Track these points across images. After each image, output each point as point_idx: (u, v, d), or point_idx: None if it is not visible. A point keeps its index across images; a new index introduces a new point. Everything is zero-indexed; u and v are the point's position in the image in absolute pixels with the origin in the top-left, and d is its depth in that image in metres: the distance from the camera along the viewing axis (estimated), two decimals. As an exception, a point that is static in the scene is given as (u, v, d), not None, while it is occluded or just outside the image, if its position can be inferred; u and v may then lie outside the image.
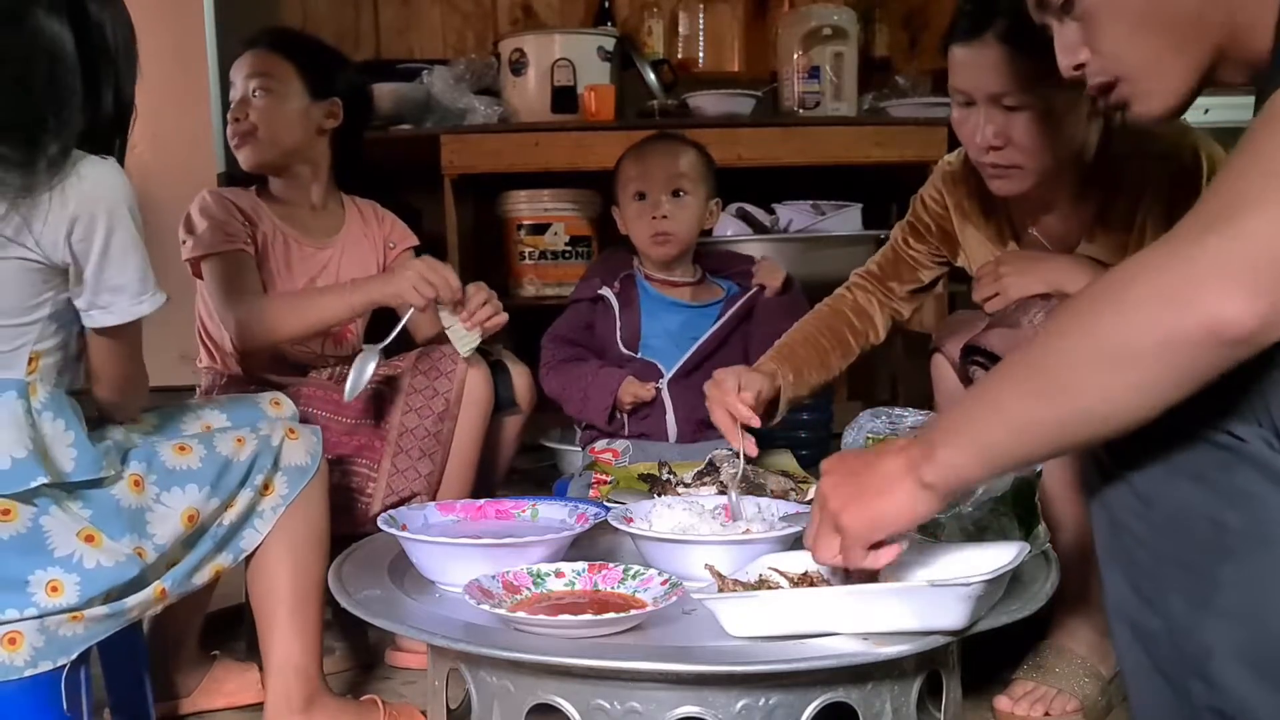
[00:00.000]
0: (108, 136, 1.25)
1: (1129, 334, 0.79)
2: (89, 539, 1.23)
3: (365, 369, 1.73)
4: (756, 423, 1.64)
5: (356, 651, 1.79)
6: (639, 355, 2.14)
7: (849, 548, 1.03)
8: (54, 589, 1.21)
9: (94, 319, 1.25)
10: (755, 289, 2.18)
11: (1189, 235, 0.78)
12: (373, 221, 2.04)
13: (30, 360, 1.23)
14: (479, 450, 1.85)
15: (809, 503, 1.53)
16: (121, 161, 1.26)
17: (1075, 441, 0.89)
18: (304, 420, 1.69)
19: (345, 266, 1.96)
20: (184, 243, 1.84)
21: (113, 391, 1.33)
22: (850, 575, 1.14)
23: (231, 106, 1.92)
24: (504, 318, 1.78)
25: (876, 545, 1.04)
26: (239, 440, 1.38)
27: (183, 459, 1.34)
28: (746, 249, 2.51)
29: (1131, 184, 1.57)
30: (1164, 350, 0.78)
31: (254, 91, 1.89)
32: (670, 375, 2.10)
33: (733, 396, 1.64)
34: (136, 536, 1.27)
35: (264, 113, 1.89)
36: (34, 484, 1.20)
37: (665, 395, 2.09)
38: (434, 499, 1.76)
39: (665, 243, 2.12)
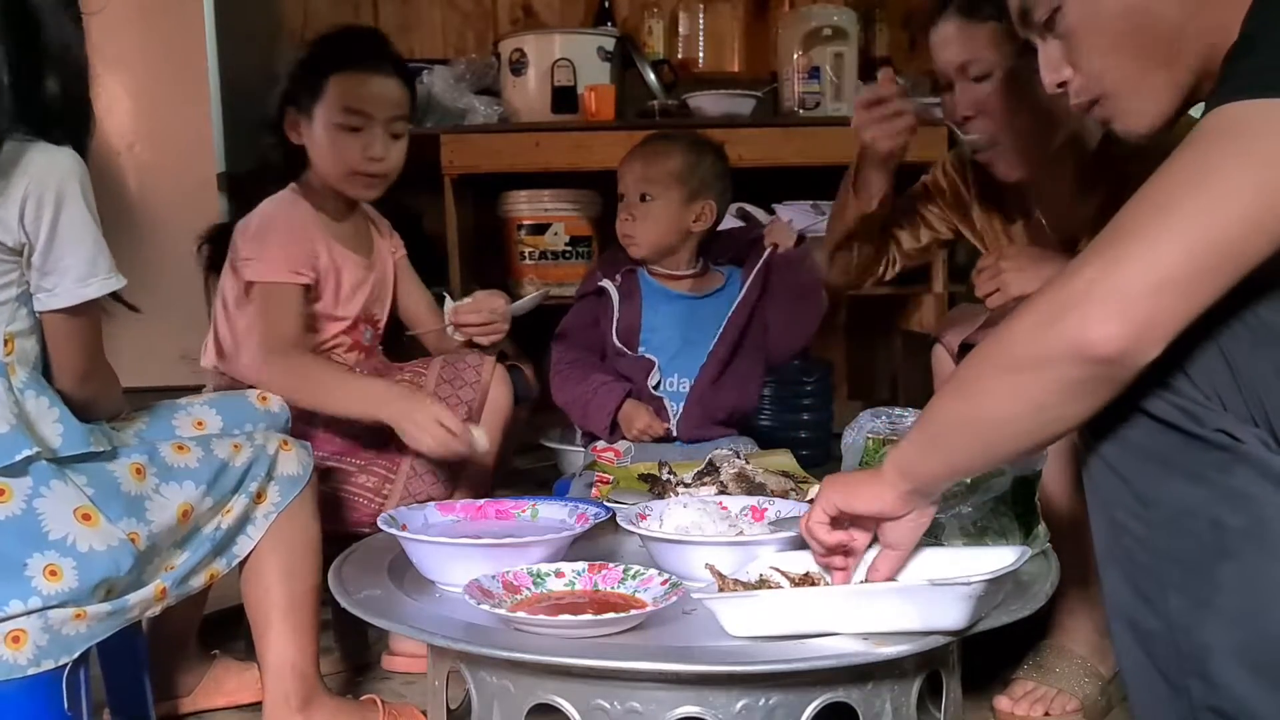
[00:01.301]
0: (65, 140, 1.24)
1: (1012, 345, 0.86)
2: (85, 517, 1.24)
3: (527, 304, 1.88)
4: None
5: (356, 651, 1.79)
6: (638, 351, 2.15)
7: (814, 508, 1.13)
8: (52, 573, 1.21)
9: (41, 302, 1.25)
10: (769, 249, 2.18)
11: (1081, 260, 0.84)
12: (382, 229, 2.03)
13: (6, 341, 1.24)
14: (497, 457, 1.85)
15: (811, 502, 1.54)
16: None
17: (990, 447, 0.96)
18: (320, 425, 1.72)
19: (377, 283, 1.94)
20: (247, 259, 1.78)
21: (72, 386, 1.31)
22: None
23: (359, 134, 1.83)
24: (494, 335, 1.87)
25: (841, 528, 1.13)
26: (235, 446, 1.40)
27: (181, 458, 1.35)
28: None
29: (1136, 182, 1.58)
30: (1038, 362, 0.84)
31: (393, 133, 1.86)
32: (681, 391, 2.13)
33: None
34: (134, 520, 1.28)
35: (397, 157, 1.88)
36: (20, 455, 1.20)
37: (667, 401, 2.11)
38: None
39: (630, 245, 2.15)
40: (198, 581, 1.37)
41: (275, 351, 1.74)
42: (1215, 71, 0.93)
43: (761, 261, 2.17)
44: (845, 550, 1.16)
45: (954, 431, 0.96)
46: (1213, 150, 0.82)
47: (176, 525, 1.32)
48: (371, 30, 1.98)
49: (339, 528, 1.67)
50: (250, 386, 1.79)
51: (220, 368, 1.87)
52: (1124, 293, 0.80)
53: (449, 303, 1.91)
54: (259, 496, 1.41)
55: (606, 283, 2.18)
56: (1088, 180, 1.62)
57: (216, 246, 1.94)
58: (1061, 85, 1.05)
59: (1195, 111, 1.17)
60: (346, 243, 1.90)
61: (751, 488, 1.63)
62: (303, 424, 1.68)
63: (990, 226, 1.77)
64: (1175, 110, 1.00)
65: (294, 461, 1.45)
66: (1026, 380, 0.85)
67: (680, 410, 2.12)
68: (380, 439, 1.78)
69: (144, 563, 1.29)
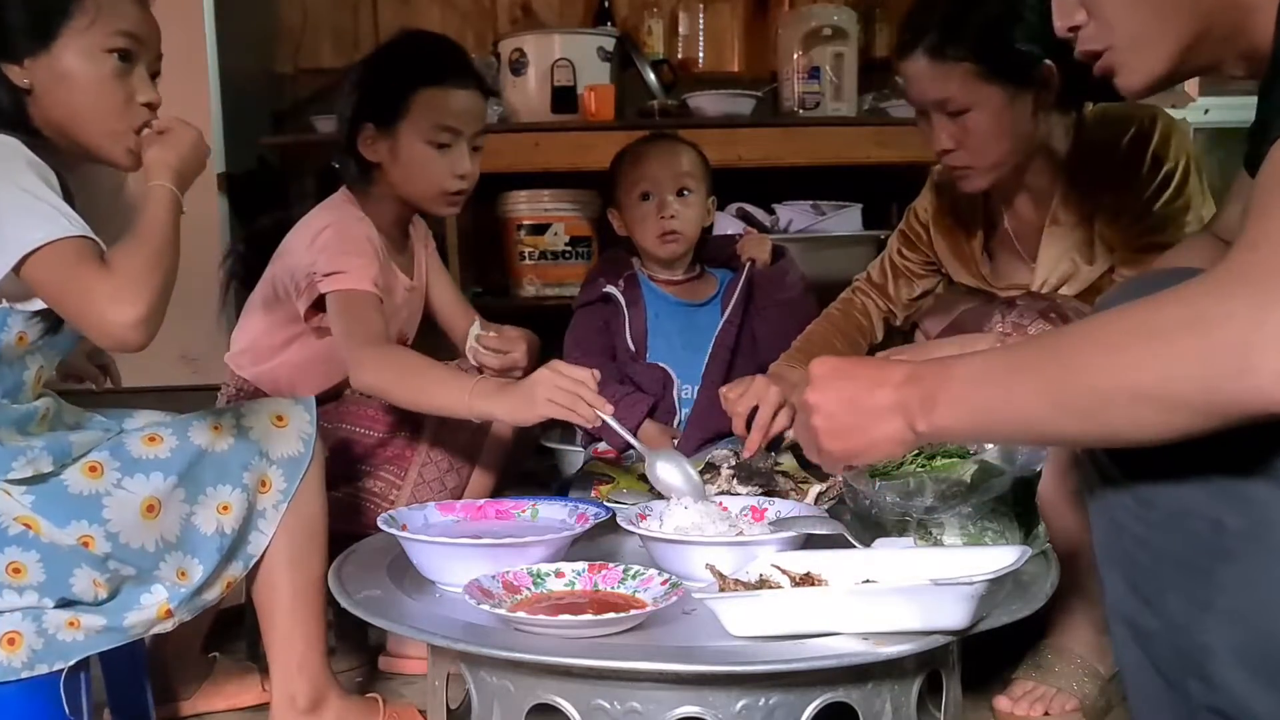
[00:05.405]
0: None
1: (1175, 386, 0.78)
2: (27, 525, 1.22)
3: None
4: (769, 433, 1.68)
5: (356, 651, 1.79)
6: (646, 358, 2.15)
7: (819, 464, 1.10)
8: (15, 570, 1.21)
9: None
10: (746, 265, 2.19)
11: (1235, 291, 0.76)
12: (421, 234, 2.00)
13: None
14: (502, 467, 1.85)
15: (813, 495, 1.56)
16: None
17: (1084, 445, 0.92)
18: (336, 436, 1.68)
19: (416, 303, 1.93)
20: (331, 274, 1.71)
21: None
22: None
23: (447, 151, 1.79)
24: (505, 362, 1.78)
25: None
26: (215, 428, 1.34)
27: (150, 448, 1.31)
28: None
29: (1097, 166, 1.63)
30: (1213, 406, 0.78)
31: (474, 146, 1.83)
32: (693, 398, 2.12)
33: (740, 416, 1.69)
34: (85, 523, 1.24)
35: (478, 171, 1.85)
36: None
37: (680, 410, 2.10)
38: None
39: (674, 241, 2.14)
40: (212, 594, 1.35)
41: (369, 344, 1.67)
42: (1235, 46, 0.93)
43: (743, 279, 2.17)
44: None
45: (1042, 433, 0.90)
46: None
47: (142, 521, 1.28)
48: (448, 40, 1.91)
49: (346, 528, 1.66)
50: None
51: (251, 372, 1.86)
52: None
53: (476, 327, 1.85)
54: (263, 484, 1.37)
55: (612, 289, 2.18)
56: (1066, 176, 1.66)
57: (243, 259, 1.93)
58: (1072, 30, 1.05)
59: (1181, 113, 1.17)
60: (399, 265, 1.88)
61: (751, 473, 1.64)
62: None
63: (954, 244, 1.79)
64: (1173, 72, 1.00)
65: (292, 439, 1.39)
66: (1189, 415, 0.79)
67: (685, 421, 2.11)
68: (392, 444, 1.77)
69: (124, 561, 1.27)
